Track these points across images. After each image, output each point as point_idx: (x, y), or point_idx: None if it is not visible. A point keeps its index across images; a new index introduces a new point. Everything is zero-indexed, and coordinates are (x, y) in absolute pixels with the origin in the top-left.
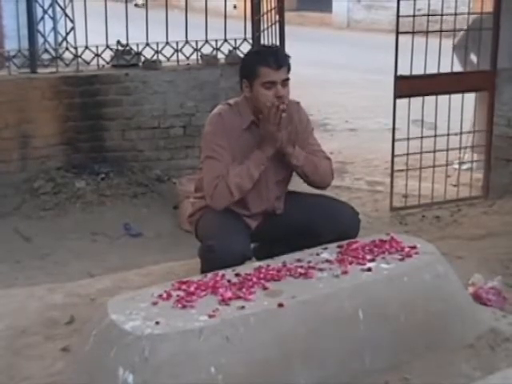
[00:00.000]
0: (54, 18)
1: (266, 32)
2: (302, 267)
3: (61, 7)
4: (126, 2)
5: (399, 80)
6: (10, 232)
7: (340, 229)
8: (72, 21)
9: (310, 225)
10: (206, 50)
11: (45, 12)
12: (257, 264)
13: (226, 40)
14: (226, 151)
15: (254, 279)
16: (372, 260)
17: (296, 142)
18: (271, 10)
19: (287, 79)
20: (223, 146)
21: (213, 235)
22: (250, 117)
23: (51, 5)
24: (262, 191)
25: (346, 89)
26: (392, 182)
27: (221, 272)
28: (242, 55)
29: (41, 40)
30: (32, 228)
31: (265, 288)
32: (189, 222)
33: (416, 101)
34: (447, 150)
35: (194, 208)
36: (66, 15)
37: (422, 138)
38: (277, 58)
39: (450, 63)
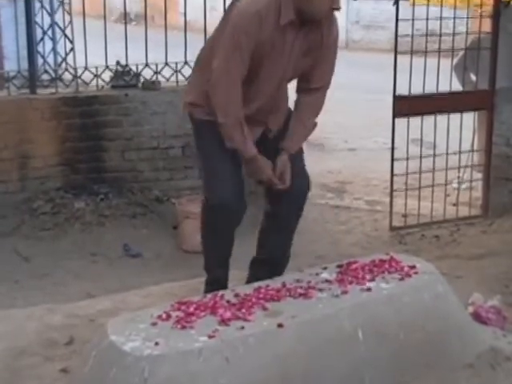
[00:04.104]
0: (53, 39)
1: None
2: (301, 287)
3: (60, 28)
4: (126, 22)
5: (398, 100)
6: (9, 252)
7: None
8: (71, 42)
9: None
10: None
11: (44, 33)
12: (256, 284)
13: None
14: (246, 61)
15: (254, 299)
16: (372, 280)
17: (312, 51)
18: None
19: None
20: (248, 50)
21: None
22: (291, 15)
23: (51, 26)
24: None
25: (345, 108)
26: (391, 201)
27: (220, 292)
28: None
29: (40, 61)
30: (31, 248)
31: (264, 308)
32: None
33: (415, 120)
34: (446, 169)
35: (192, 90)
36: (66, 36)
37: (421, 157)
38: None
39: (448, 83)
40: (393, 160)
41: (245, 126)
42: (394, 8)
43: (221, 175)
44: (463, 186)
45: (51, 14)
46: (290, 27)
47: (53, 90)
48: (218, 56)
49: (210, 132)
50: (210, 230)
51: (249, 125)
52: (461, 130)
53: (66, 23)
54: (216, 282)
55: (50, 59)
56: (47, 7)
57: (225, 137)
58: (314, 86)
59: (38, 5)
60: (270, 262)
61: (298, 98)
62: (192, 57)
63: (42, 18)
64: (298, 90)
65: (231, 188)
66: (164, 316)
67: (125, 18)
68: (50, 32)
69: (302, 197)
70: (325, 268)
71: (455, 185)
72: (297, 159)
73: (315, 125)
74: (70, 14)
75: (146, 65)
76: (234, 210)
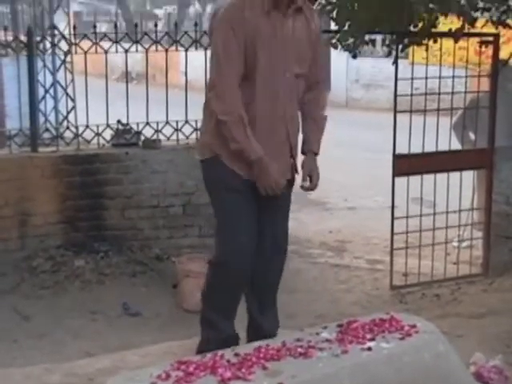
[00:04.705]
0: (55, 98)
1: None
2: (301, 347)
3: (62, 87)
4: (127, 81)
5: (398, 158)
6: (8, 311)
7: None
8: (73, 100)
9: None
10: None
11: (46, 91)
12: (256, 344)
13: None
14: (240, 56)
15: (254, 359)
16: (372, 339)
17: (304, 39)
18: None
19: None
20: (239, 47)
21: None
22: None
23: (52, 84)
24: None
25: (345, 167)
26: (392, 260)
27: (220, 352)
28: None
29: (42, 119)
30: (30, 307)
31: (264, 368)
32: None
33: (415, 179)
34: (446, 227)
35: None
36: (67, 94)
37: (421, 216)
38: None
39: (448, 141)
40: (393, 219)
41: (248, 128)
42: (393, 67)
43: (236, 231)
44: (463, 244)
45: (53, 73)
46: (275, 13)
47: (54, 148)
48: (211, 61)
49: (228, 176)
50: (220, 288)
51: (275, 158)
52: (460, 189)
53: (68, 82)
54: (225, 338)
55: (52, 117)
56: (49, 66)
57: (228, 137)
58: (313, 80)
59: (40, 63)
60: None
61: (300, 99)
62: (193, 116)
63: (45, 77)
64: None
65: (244, 244)
66: (164, 375)
67: (126, 76)
68: (51, 90)
69: (278, 274)
70: (325, 327)
71: (455, 243)
72: (279, 224)
73: (325, 118)
74: (71, 72)
75: (147, 123)
76: (245, 268)
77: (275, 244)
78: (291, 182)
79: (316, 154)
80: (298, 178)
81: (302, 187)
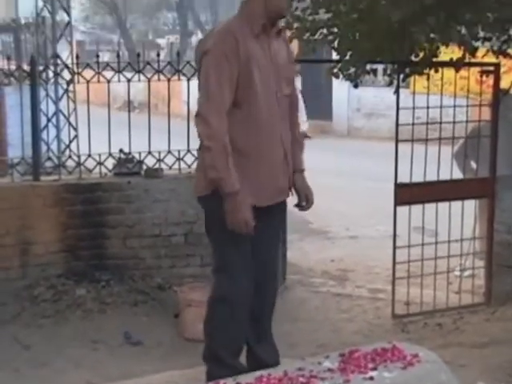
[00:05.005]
0: (57, 127)
1: None
2: (303, 376)
3: (64, 116)
4: (129, 111)
5: (399, 188)
6: (9, 340)
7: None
8: (75, 129)
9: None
10: None
11: (49, 120)
12: (258, 373)
13: None
14: (231, 82)
15: None
16: (374, 369)
17: (286, 58)
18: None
19: None
20: (231, 74)
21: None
22: (262, 19)
23: (55, 113)
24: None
25: (347, 196)
26: (393, 289)
27: (222, 381)
28: None
29: (44, 148)
30: (31, 336)
31: None
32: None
33: (416, 208)
34: (448, 256)
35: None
36: (70, 124)
37: (422, 245)
38: None
39: (449, 170)
40: (395, 248)
41: (230, 157)
42: (394, 96)
43: (238, 269)
44: (466, 273)
45: (56, 102)
46: (262, 36)
47: (56, 177)
48: (200, 86)
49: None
50: (226, 324)
51: (275, 178)
52: (462, 218)
53: (70, 111)
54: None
55: (54, 146)
56: (52, 95)
57: (208, 165)
58: (294, 100)
59: (43, 92)
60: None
61: None
62: (195, 145)
63: (47, 106)
64: None
65: (244, 283)
66: None
67: (128, 106)
68: (54, 119)
69: (273, 301)
70: (327, 357)
71: (457, 272)
72: (272, 250)
73: (304, 136)
74: (74, 101)
75: (149, 153)
76: (248, 303)
77: (269, 271)
78: (285, 204)
79: (303, 171)
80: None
81: (299, 207)
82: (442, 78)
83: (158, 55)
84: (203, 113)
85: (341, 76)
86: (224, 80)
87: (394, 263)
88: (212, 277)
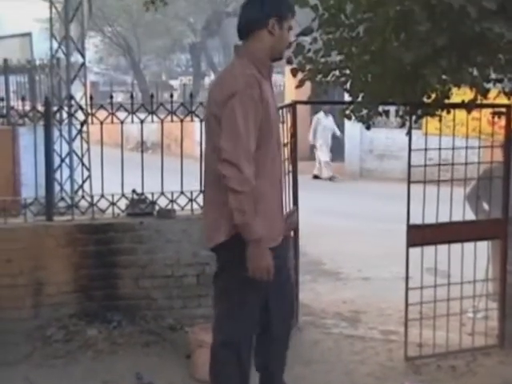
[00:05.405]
0: (70, 167)
1: None
2: None
3: (78, 156)
4: (142, 151)
5: (412, 229)
6: (20, 380)
7: None
8: (88, 169)
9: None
10: None
11: (62, 160)
12: None
13: None
14: (256, 128)
15: None
16: None
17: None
18: (285, 160)
19: None
20: (257, 118)
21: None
22: (268, 62)
23: (68, 153)
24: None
25: (359, 237)
26: (406, 331)
27: None
28: None
29: (57, 188)
30: (43, 377)
31: None
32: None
33: (429, 249)
34: (461, 298)
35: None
36: (83, 164)
37: (435, 286)
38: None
39: (462, 211)
40: (407, 289)
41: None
42: (407, 137)
43: (250, 317)
44: (479, 315)
45: (69, 142)
46: (268, 77)
47: (69, 217)
48: (226, 130)
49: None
50: (233, 367)
51: (279, 221)
52: (475, 259)
53: (84, 151)
54: None
55: (67, 186)
56: (66, 135)
57: (237, 208)
58: None
59: (56, 133)
60: None
61: None
62: None
63: (61, 146)
64: None
65: (254, 330)
66: None
67: (141, 146)
68: (67, 159)
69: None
70: None
71: (470, 314)
72: (287, 296)
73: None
74: (87, 142)
75: (162, 193)
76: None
77: (284, 319)
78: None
79: None
80: None
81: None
82: (454, 120)
83: (172, 96)
84: (233, 158)
85: (353, 118)
86: (251, 125)
87: (407, 305)
88: (216, 321)
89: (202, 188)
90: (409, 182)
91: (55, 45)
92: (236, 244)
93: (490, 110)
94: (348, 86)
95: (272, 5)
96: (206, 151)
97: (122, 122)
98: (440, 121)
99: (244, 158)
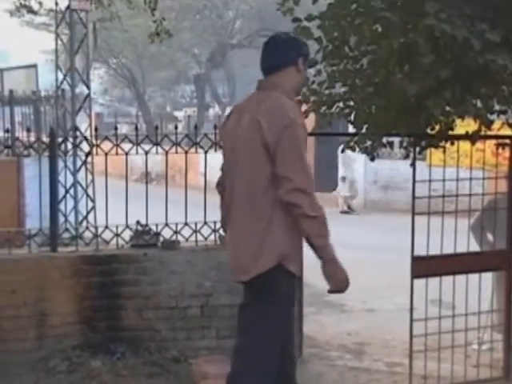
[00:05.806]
0: (75, 198)
1: None
2: None
3: (82, 187)
4: (147, 182)
5: (416, 260)
6: None
7: None
8: (93, 200)
9: None
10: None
11: (67, 191)
12: None
13: None
14: None
15: None
16: None
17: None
18: None
19: None
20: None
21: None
22: (294, 97)
23: (73, 184)
24: None
25: (363, 269)
26: (411, 363)
27: None
28: None
29: (62, 219)
30: None
31: None
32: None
33: (433, 280)
34: (466, 329)
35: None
36: (87, 195)
37: (440, 318)
38: None
39: (466, 243)
40: (412, 321)
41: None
42: (411, 169)
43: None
44: (484, 346)
45: (74, 173)
46: None
47: (73, 249)
48: (291, 160)
49: (293, 285)
50: None
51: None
52: (479, 290)
53: (88, 182)
54: None
55: (72, 217)
56: (70, 166)
57: (315, 233)
58: None
59: (61, 164)
60: None
61: None
62: (211, 217)
63: (65, 177)
64: None
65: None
66: None
67: (146, 178)
68: (72, 191)
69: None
70: None
71: (475, 346)
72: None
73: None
74: (92, 173)
75: (166, 224)
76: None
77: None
78: None
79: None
80: None
81: None
82: (458, 151)
83: (176, 128)
84: (307, 187)
85: (357, 149)
86: (305, 153)
87: (411, 336)
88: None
89: (227, 219)
90: (413, 214)
91: (60, 76)
92: (277, 274)
93: (494, 141)
94: (352, 117)
95: (301, 45)
96: (232, 181)
97: (126, 154)
98: (444, 152)
99: (312, 186)
